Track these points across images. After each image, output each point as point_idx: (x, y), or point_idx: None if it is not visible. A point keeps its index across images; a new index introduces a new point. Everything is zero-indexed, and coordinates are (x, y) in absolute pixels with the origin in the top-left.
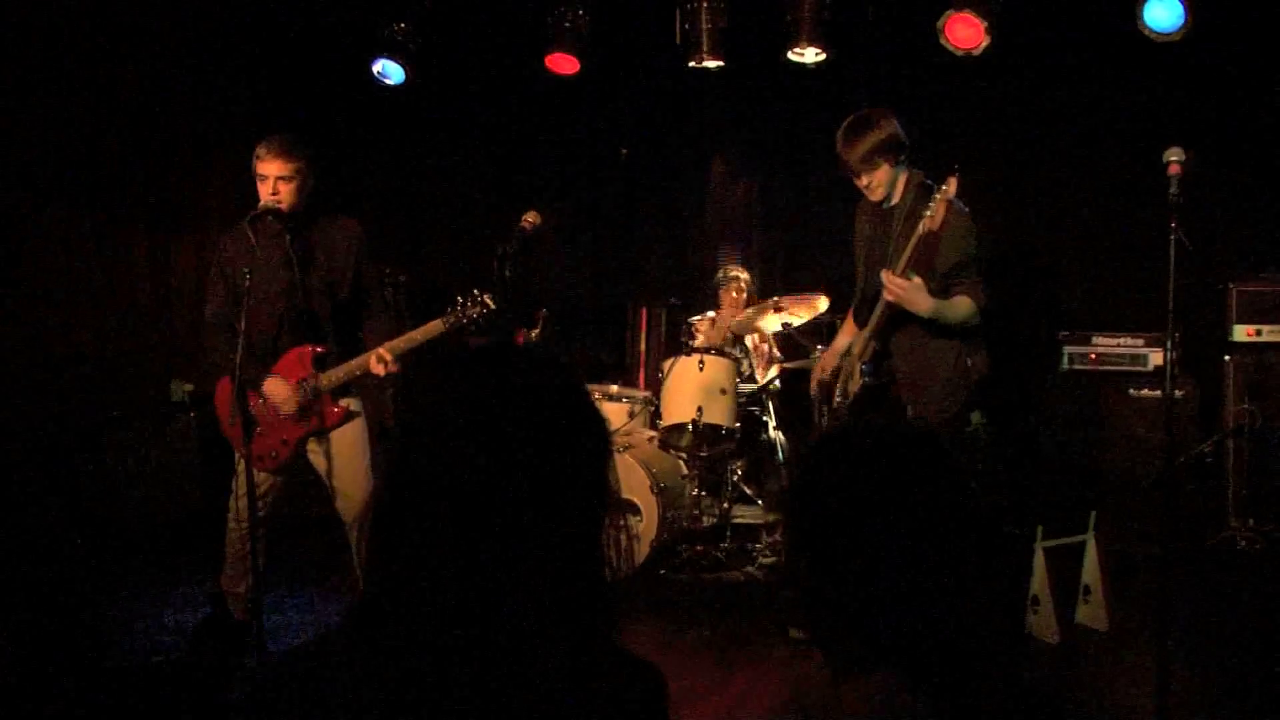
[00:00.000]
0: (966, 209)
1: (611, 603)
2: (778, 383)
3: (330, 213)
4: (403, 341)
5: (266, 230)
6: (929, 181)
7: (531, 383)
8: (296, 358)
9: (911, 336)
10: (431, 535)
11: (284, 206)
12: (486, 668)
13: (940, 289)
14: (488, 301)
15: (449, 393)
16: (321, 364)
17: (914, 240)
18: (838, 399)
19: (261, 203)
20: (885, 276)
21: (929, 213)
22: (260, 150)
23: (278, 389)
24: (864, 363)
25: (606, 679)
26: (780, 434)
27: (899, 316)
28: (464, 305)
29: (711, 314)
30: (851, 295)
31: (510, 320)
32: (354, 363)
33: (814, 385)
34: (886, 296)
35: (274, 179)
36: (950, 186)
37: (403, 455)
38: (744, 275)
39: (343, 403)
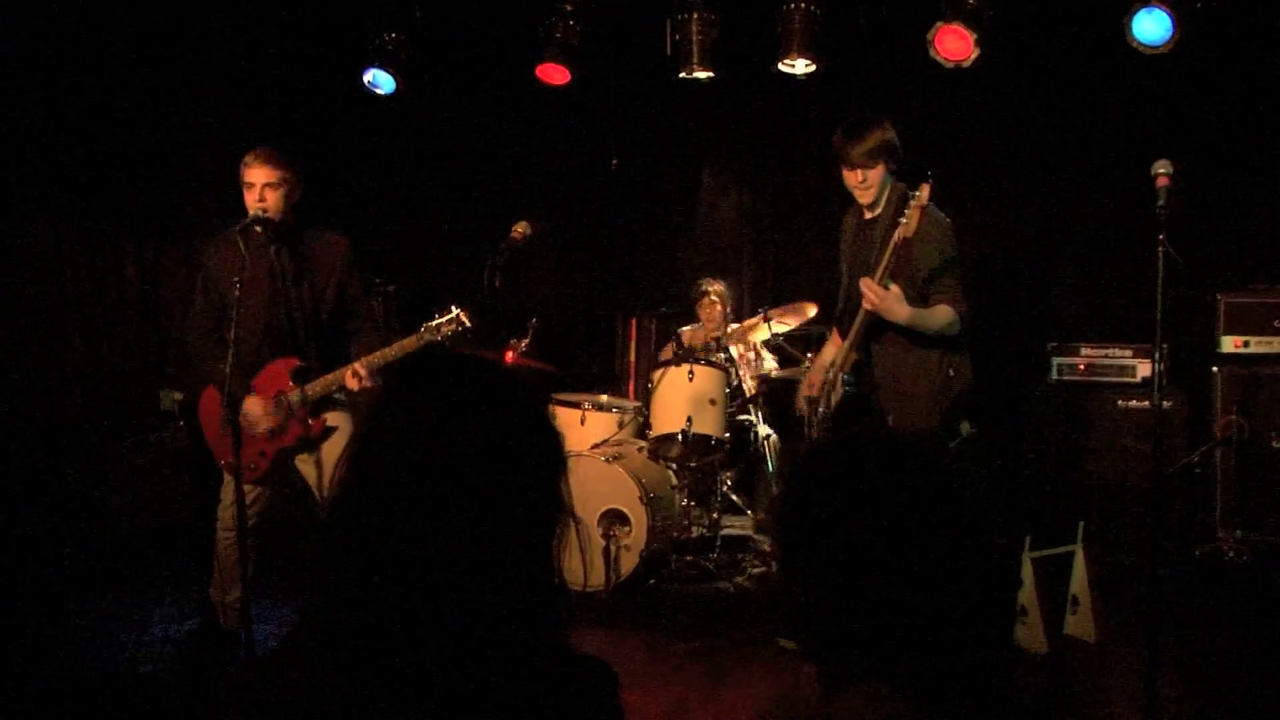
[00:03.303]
0: (945, 216)
1: (562, 605)
2: (775, 367)
3: (318, 226)
4: (377, 357)
5: (254, 241)
6: (909, 192)
7: (484, 393)
8: (276, 370)
9: (892, 346)
10: (384, 538)
11: (271, 215)
12: (439, 669)
13: (919, 297)
14: (463, 319)
15: (404, 400)
16: (301, 377)
17: (890, 248)
18: (821, 409)
19: (250, 212)
20: (864, 284)
21: (904, 220)
22: (248, 158)
23: (253, 407)
24: (845, 373)
25: (558, 678)
26: (770, 444)
27: (878, 325)
28: (439, 322)
29: (698, 324)
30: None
31: (501, 330)
32: (331, 377)
33: (800, 401)
34: (864, 304)
35: (261, 186)
36: (923, 193)
37: (357, 459)
38: (717, 287)
39: (323, 416)
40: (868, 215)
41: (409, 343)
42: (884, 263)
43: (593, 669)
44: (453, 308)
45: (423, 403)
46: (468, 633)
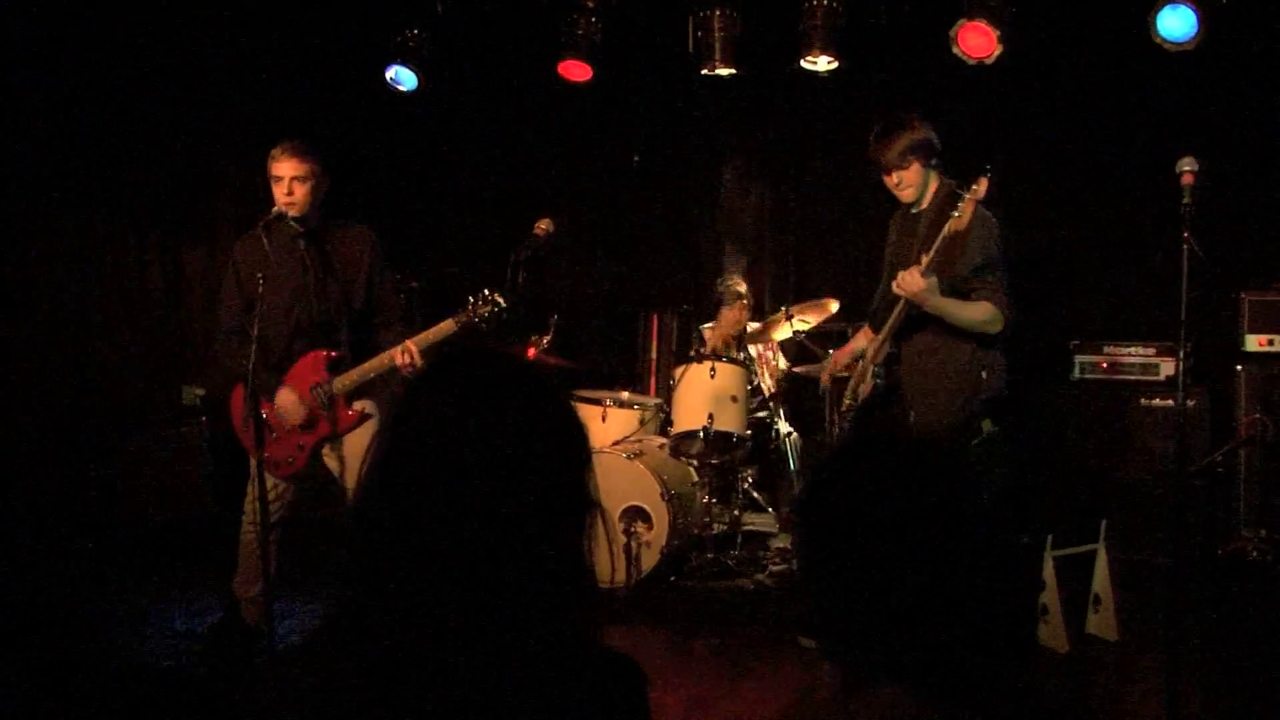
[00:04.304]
0: (992, 216)
1: (593, 602)
2: (787, 365)
3: (343, 220)
4: (432, 334)
5: (281, 235)
6: (959, 189)
7: (509, 387)
8: (310, 362)
9: (924, 342)
10: (410, 533)
11: (299, 209)
12: (470, 666)
13: (960, 292)
14: (498, 299)
15: (429, 395)
16: (335, 368)
17: (939, 240)
18: (848, 401)
19: (276, 206)
20: (900, 273)
21: (956, 213)
22: (275, 151)
23: (285, 400)
24: (876, 365)
25: (587, 676)
26: (791, 441)
27: (915, 320)
28: (475, 304)
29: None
30: (864, 301)
31: (522, 326)
32: (369, 364)
33: (825, 378)
34: (895, 289)
35: (289, 179)
36: (980, 187)
37: (384, 456)
38: (743, 288)
39: (357, 405)
40: (913, 211)
41: (446, 326)
42: (931, 254)
43: (621, 667)
44: (485, 290)
45: (448, 397)
46: (497, 628)
